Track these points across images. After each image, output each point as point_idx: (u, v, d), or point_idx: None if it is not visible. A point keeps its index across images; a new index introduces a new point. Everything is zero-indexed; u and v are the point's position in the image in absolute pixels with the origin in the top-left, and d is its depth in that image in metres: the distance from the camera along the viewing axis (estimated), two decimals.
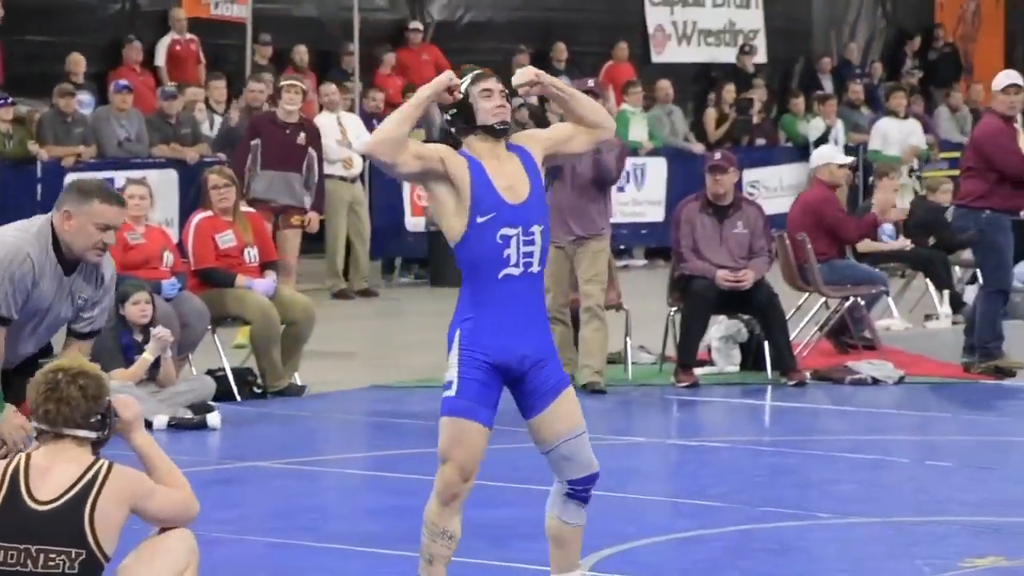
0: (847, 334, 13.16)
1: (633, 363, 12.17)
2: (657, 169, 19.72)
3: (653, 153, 19.79)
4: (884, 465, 9.41)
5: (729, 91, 21.16)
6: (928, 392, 11.86)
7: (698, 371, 11.84)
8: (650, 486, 9.02)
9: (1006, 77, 12.30)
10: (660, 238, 19.52)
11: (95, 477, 5.06)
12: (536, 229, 5.77)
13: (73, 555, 4.99)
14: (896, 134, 19.10)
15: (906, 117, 19.43)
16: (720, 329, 12.23)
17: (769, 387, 11.79)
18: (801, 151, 20.12)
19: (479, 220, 5.73)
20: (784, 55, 24.16)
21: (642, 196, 19.28)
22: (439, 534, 5.82)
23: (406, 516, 8.07)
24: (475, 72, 5.91)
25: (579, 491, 5.95)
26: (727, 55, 22.95)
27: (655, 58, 22.79)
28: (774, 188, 19.55)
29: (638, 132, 19.70)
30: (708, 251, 11.76)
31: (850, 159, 13.39)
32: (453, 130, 5.90)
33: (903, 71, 24.49)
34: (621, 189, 19.26)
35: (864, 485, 8.85)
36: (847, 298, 12.90)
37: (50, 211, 6.13)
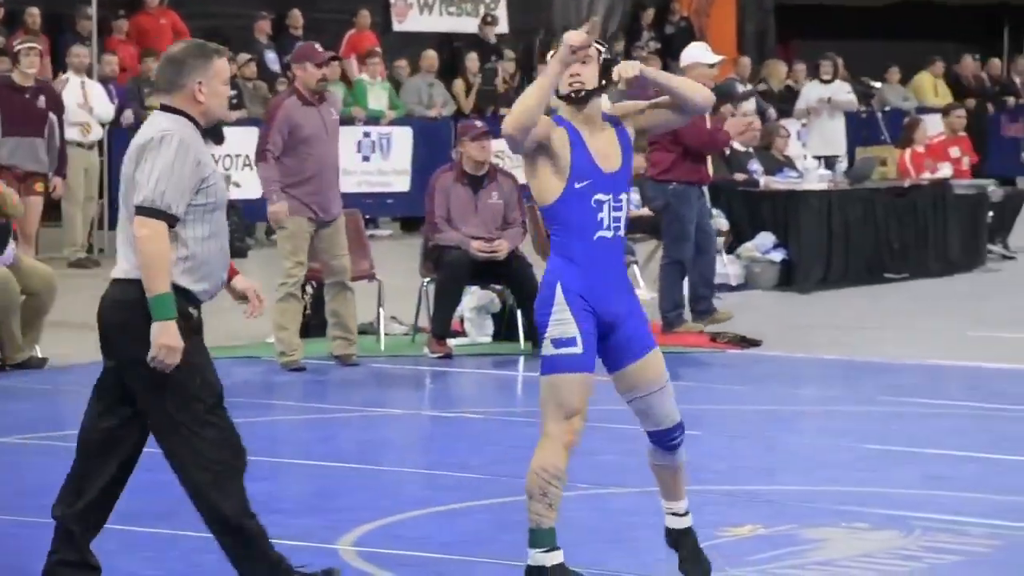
0: None
1: (386, 334, 12.09)
2: (402, 139, 19.63)
3: (398, 122, 19.70)
4: (639, 436, 9.38)
5: (473, 60, 21.14)
6: (676, 361, 11.95)
7: (451, 342, 11.80)
8: (407, 458, 8.95)
9: (699, 50, 12.64)
10: (407, 208, 19.46)
11: None
12: (624, 196, 6.09)
13: None
14: None
15: None
16: (473, 300, 12.21)
17: (522, 357, 11.81)
18: None
19: (576, 186, 5.99)
20: (525, 26, 24.22)
21: (387, 166, 19.17)
22: (561, 479, 6.08)
23: (158, 491, 7.83)
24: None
25: (659, 441, 6.39)
26: (469, 25, 22.92)
27: (396, 27, 22.67)
28: (519, 158, 19.56)
29: (378, 102, 19.56)
30: (462, 221, 11.73)
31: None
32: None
33: (638, 44, 24.75)
34: (366, 159, 19.14)
35: (622, 455, 8.88)
36: None
37: None
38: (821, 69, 21.08)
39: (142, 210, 5.59)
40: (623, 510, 7.66)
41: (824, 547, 6.90)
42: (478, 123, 12.14)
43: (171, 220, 5.60)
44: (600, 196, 6.01)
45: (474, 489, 7.93)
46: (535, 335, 11.75)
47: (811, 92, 21.15)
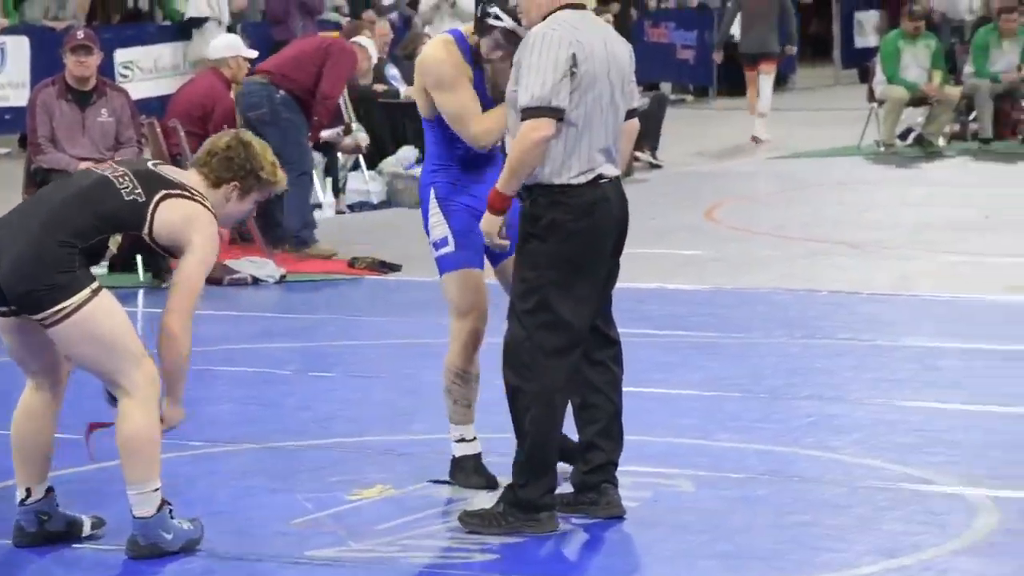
0: None
1: None
2: (19, 48, 18.23)
3: (13, 31, 18.30)
4: (265, 379, 8.60)
5: None
6: (312, 291, 11.20)
7: None
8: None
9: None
10: (25, 125, 18.13)
11: None
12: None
13: None
14: None
15: None
16: None
17: (141, 291, 10.90)
18: (180, 30, 19.07)
19: None
20: None
21: (3, 79, 17.79)
22: (474, 378, 6.48)
23: None
24: None
25: None
26: None
27: None
28: (149, 70, 18.43)
29: None
30: (68, 142, 10.68)
31: (255, 53, 12.50)
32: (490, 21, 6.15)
33: None
34: None
35: (240, 404, 8.01)
36: None
37: None
38: None
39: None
40: (239, 471, 6.76)
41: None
42: (80, 33, 10.97)
43: None
44: None
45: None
46: (155, 265, 10.89)
47: None
